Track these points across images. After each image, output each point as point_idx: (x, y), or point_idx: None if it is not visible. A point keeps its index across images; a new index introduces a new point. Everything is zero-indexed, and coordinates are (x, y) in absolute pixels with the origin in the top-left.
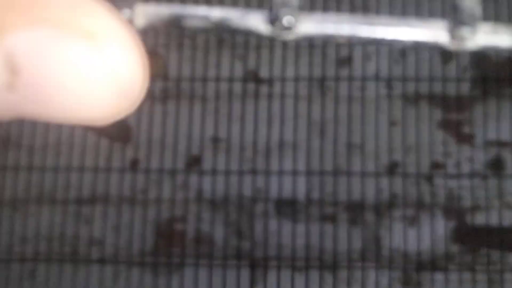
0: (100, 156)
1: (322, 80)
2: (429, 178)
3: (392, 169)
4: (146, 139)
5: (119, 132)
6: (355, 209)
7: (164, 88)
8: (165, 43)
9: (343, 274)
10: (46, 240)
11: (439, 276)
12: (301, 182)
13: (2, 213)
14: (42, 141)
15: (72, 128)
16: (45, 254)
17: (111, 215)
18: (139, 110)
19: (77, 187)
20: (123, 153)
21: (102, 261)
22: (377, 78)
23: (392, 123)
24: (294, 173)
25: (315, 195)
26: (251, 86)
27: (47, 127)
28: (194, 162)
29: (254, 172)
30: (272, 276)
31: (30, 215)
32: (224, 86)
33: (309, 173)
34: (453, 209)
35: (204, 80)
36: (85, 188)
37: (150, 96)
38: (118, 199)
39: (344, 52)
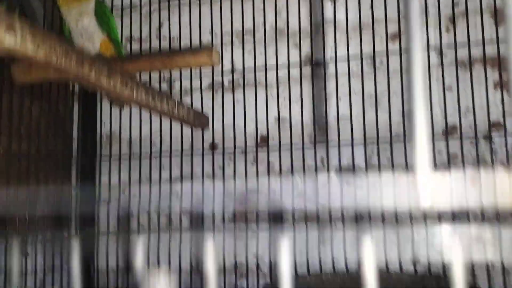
0: (184, 142)
1: (373, 56)
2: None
3: (449, 132)
4: (220, 125)
5: (199, 120)
6: (411, 172)
7: (232, 79)
8: (229, 40)
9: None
10: (147, 213)
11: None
12: (360, 150)
13: (112, 195)
14: (136, 134)
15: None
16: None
17: (197, 190)
18: (213, 100)
19: (167, 168)
20: (203, 138)
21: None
22: (427, 47)
23: (446, 89)
24: (352, 142)
25: (374, 161)
26: (307, 70)
27: (139, 121)
28: (262, 141)
29: (315, 143)
30: None
31: (132, 195)
32: (283, 72)
33: (366, 142)
34: None
35: (265, 69)
36: (174, 168)
37: (221, 88)
38: (201, 176)
39: (393, 27)
